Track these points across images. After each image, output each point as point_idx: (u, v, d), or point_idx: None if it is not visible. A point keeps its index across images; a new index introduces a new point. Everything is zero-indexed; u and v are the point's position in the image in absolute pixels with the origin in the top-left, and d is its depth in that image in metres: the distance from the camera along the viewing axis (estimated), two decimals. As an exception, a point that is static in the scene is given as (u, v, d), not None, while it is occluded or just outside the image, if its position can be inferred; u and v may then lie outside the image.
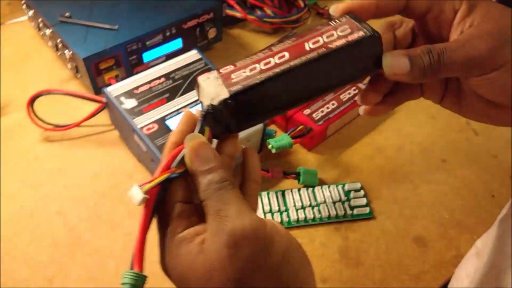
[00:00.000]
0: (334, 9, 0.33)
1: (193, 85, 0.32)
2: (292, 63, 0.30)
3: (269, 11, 0.75)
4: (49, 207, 0.54)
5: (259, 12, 0.75)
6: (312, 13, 0.82)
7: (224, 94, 0.29)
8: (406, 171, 0.58)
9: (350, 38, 0.31)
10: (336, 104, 0.60)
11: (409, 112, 0.66)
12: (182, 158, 0.29)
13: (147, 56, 0.63)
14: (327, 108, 0.59)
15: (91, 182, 0.56)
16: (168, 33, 0.63)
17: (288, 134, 0.55)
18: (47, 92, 0.57)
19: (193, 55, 0.59)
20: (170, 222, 0.28)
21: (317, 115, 0.58)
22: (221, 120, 0.30)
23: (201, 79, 0.31)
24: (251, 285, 0.26)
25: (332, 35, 0.31)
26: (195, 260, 0.26)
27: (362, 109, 0.37)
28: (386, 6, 0.32)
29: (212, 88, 0.30)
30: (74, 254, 0.50)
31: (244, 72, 0.30)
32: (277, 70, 0.30)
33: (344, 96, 0.61)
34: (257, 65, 0.30)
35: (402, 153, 0.61)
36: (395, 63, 0.31)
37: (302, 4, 0.78)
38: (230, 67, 0.31)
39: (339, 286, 0.47)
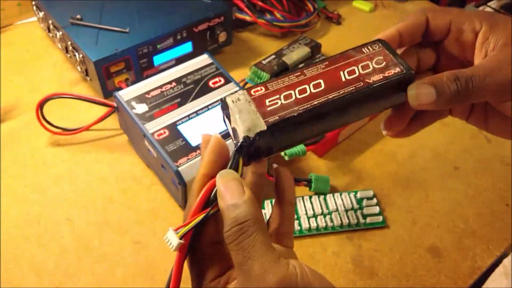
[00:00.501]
0: None
1: (221, 107, 0.30)
2: (330, 97, 0.29)
3: (278, 15, 0.74)
4: (57, 212, 0.53)
5: (268, 16, 0.74)
6: (321, 17, 0.81)
7: (261, 125, 0.28)
8: (419, 178, 0.58)
9: (387, 74, 0.30)
10: (348, 110, 0.59)
11: (421, 119, 0.65)
12: (215, 196, 0.27)
13: (157, 60, 0.62)
14: (339, 114, 0.59)
15: (100, 187, 0.56)
16: (178, 37, 0.62)
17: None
18: (57, 96, 0.56)
19: (204, 59, 0.58)
20: (202, 268, 0.28)
21: (329, 121, 0.58)
22: (254, 150, 0.29)
23: (231, 100, 0.29)
24: None
25: (368, 66, 0.30)
26: None
27: (385, 133, 0.36)
28: (408, 32, 0.32)
29: (246, 115, 0.28)
30: (82, 261, 0.49)
31: (279, 99, 0.29)
32: (315, 103, 0.29)
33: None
34: (292, 92, 0.29)
35: (414, 160, 0.60)
36: (420, 94, 0.29)
37: (311, 8, 0.77)
38: (261, 89, 0.29)
39: (352, 297, 0.47)
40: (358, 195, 0.54)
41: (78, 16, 0.62)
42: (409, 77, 0.30)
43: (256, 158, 0.30)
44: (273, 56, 0.67)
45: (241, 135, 0.28)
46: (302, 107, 0.29)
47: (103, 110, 0.59)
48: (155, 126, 0.51)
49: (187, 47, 0.65)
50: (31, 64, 0.70)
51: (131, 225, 0.52)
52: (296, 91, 0.29)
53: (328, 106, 0.29)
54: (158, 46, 0.61)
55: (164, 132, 0.51)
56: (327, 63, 0.31)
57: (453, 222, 0.53)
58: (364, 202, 0.53)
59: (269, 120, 0.28)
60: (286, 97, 0.29)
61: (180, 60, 0.63)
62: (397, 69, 0.30)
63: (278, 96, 0.29)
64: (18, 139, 0.60)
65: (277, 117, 0.28)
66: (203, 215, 0.27)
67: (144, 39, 0.60)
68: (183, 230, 0.27)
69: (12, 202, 0.54)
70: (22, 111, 0.64)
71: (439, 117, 0.36)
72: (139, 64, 0.61)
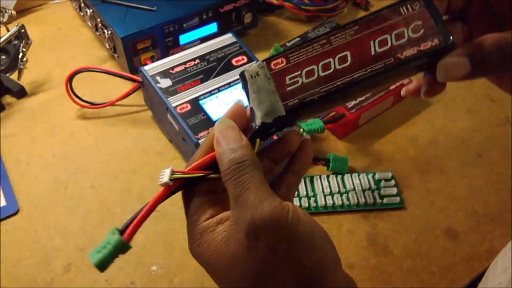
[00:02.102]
0: None
1: (240, 79, 0.29)
2: (355, 76, 0.27)
3: (305, -1, 0.74)
4: (83, 180, 0.55)
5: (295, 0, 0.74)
6: (349, 3, 0.81)
7: (280, 110, 0.27)
8: (440, 163, 0.57)
9: (422, 47, 0.26)
10: (369, 93, 0.59)
11: (445, 105, 0.64)
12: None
13: (183, 39, 0.64)
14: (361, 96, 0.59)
15: (123, 159, 0.57)
16: (204, 16, 0.64)
17: (320, 119, 0.55)
18: (86, 69, 0.58)
19: (228, 38, 0.59)
20: (195, 211, 0.28)
21: (350, 103, 0.58)
22: (269, 129, 0.28)
23: (249, 74, 0.28)
24: (272, 275, 0.26)
25: (403, 35, 0.27)
26: (219, 248, 0.26)
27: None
28: None
29: (264, 95, 0.27)
30: (104, 226, 0.51)
31: (300, 76, 0.27)
32: (338, 83, 0.27)
33: (379, 85, 0.60)
34: (314, 68, 0.27)
35: (436, 146, 0.59)
36: (451, 67, 0.26)
37: (339, -7, 0.77)
38: (283, 62, 0.27)
39: (365, 273, 0.47)
40: (376, 176, 0.54)
41: (108, -5, 0.64)
42: (447, 49, 0.27)
43: (270, 135, 0.30)
44: (298, 39, 0.68)
45: (259, 120, 0.27)
46: (324, 89, 0.27)
47: (128, 86, 0.61)
48: (178, 100, 0.53)
49: (213, 28, 0.66)
50: (62, 41, 0.73)
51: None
52: (319, 66, 0.27)
53: (352, 87, 0.27)
54: (184, 25, 0.63)
55: (187, 106, 0.52)
56: (357, 27, 0.27)
57: (472, 207, 0.52)
58: (382, 183, 0.53)
59: (288, 104, 0.27)
60: (307, 74, 0.27)
61: (205, 41, 0.65)
62: (435, 41, 0.26)
63: (299, 72, 0.27)
64: (48, 111, 0.63)
65: (297, 100, 0.27)
66: (201, 175, 0.28)
67: (170, 17, 0.61)
68: (178, 176, 0.28)
69: (42, 169, 0.56)
70: (53, 85, 0.66)
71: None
72: (165, 42, 0.63)
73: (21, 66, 0.63)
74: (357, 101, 0.58)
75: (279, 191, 0.30)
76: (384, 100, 0.60)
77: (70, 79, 0.59)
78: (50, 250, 0.49)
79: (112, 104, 0.61)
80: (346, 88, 0.27)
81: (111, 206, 0.53)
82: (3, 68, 0.66)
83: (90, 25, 0.68)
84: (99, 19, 0.64)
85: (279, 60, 0.28)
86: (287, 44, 0.66)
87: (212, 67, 0.56)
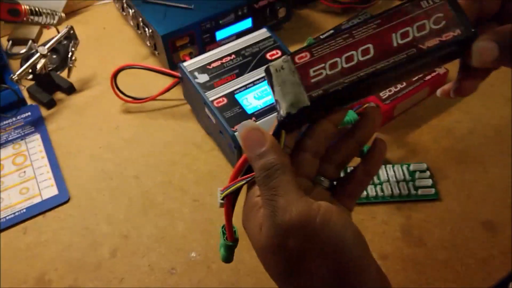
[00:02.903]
0: None
1: (264, 75, 0.30)
2: (378, 66, 0.27)
3: (340, -9, 0.74)
4: (127, 171, 0.59)
5: (329, -7, 0.75)
6: (384, -6, 0.80)
7: (305, 101, 0.28)
8: (477, 154, 0.56)
9: (444, 37, 0.27)
10: (404, 84, 0.59)
11: (482, 95, 0.63)
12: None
13: (219, 35, 0.66)
14: (395, 87, 0.59)
15: (164, 151, 0.60)
16: (239, 13, 0.65)
17: (354, 111, 0.55)
18: (129, 66, 0.62)
19: (262, 33, 0.61)
20: (252, 186, 0.31)
21: (385, 94, 0.58)
22: (296, 123, 0.29)
23: (274, 69, 0.28)
24: (300, 273, 0.27)
25: (424, 27, 0.27)
26: (258, 231, 0.28)
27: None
28: None
29: (289, 87, 0.28)
30: (147, 214, 0.54)
31: (324, 69, 0.28)
32: (362, 74, 0.27)
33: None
34: (338, 60, 0.28)
35: (473, 136, 0.58)
36: (483, 52, 0.27)
37: (374, -16, 0.76)
38: (306, 56, 0.28)
39: (399, 264, 0.47)
40: (411, 167, 0.54)
41: (149, -6, 0.67)
42: (470, 39, 0.27)
43: (298, 127, 0.31)
44: (332, 31, 0.68)
45: (284, 110, 0.28)
46: (348, 79, 0.27)
47: (168, 81, 0.63)
48: (215, 95, 0.55)
49: (247, 23, 0.68)
50: (107, 40, 0.77)
51: (191, 185, 0.56)
52: (343, 58, 0.28)
53: (375, 77, 0.28)
54: (220, 22, 0.65)
55: (223, 100, 0.54)
56: (379, 21, 0.28)
57: (510, 199, 0.51)
58: (417, 175, 0.53)
59: (313, 95, 0.28)
60: (331, 66, 0.28)
61: (240, 36, 0.66)
62: (457, 31, 0.27)
63: (323, 65, 0.28)
64: (94, 106, 0.67)
65: (321, 91, 0.28)
66: (244, 182, 0.30)
67: (207, 15, 0.63)
68: (225, 193, 0.30)
69: (90, 161, 0.60)
70: (98, 82, 0.70)
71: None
72: (202, 39, 0.65)
73: (70, 65, 0.68)
74: (392, 92, 0.58)
75: (347, 186, 0.32)
76: (419, 91, 0.60)
77: (115, 75, 0.63)
78: (98, 236, 0.52)
79: (154, 98, 0.64)
80: (369, 78, 0.27)
81: (153, 196, 0.56)
82: (54, 66, 0.70)
83: (132, 24, 0.71)
84: (140, 19, 0.67)
85: (303, 54, 0.28)
86: (321, 37, 0.67)
87: (247, 61, 0.58)
